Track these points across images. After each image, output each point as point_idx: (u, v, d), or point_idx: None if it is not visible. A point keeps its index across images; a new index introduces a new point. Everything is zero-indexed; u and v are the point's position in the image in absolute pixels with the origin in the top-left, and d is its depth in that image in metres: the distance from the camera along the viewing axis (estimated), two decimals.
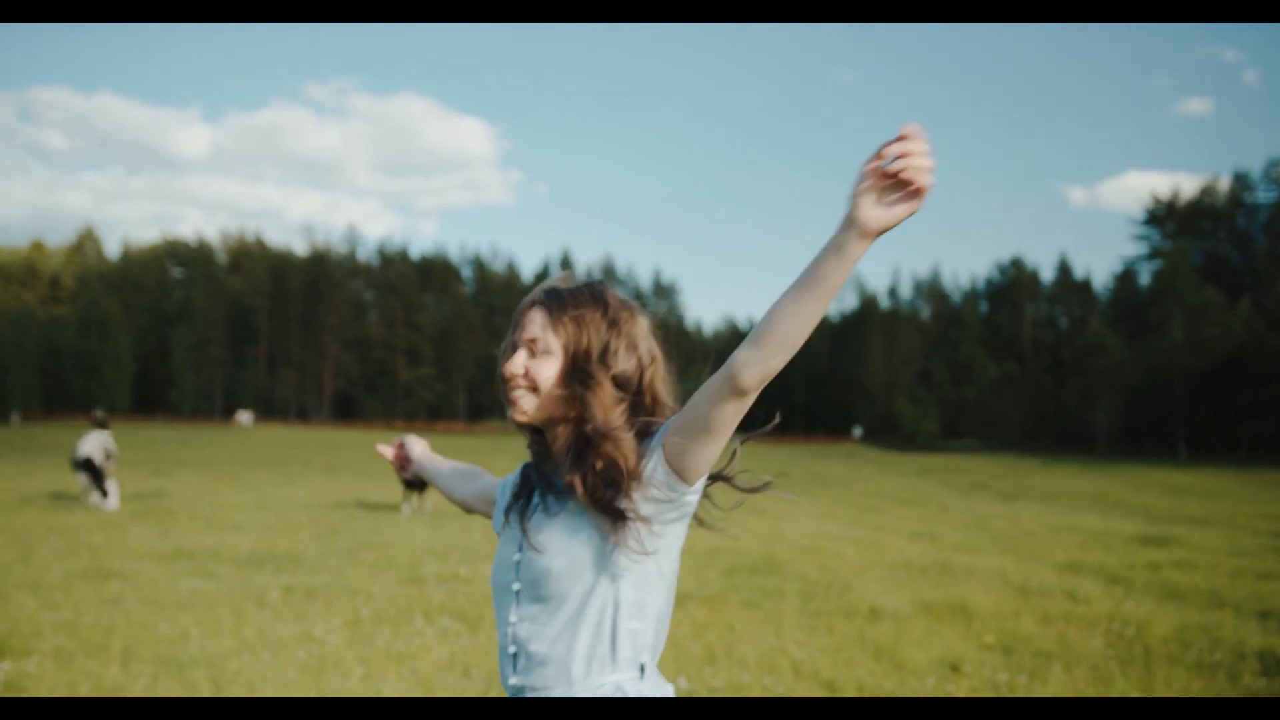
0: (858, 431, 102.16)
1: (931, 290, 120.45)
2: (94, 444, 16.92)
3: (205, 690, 5.90)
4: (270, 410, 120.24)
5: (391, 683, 6.21)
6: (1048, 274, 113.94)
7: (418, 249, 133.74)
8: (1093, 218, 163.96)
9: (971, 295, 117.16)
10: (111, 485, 16.74)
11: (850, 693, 6.22)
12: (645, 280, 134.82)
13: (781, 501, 21.90)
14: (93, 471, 16.67)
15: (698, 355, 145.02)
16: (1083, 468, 47.93)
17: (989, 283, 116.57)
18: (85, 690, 5.80)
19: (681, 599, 9.18)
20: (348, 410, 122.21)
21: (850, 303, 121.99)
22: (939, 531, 16.25)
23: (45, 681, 5.96)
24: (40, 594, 8.82)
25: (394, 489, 22.79)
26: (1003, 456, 63.89)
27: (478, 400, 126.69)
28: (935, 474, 37.75)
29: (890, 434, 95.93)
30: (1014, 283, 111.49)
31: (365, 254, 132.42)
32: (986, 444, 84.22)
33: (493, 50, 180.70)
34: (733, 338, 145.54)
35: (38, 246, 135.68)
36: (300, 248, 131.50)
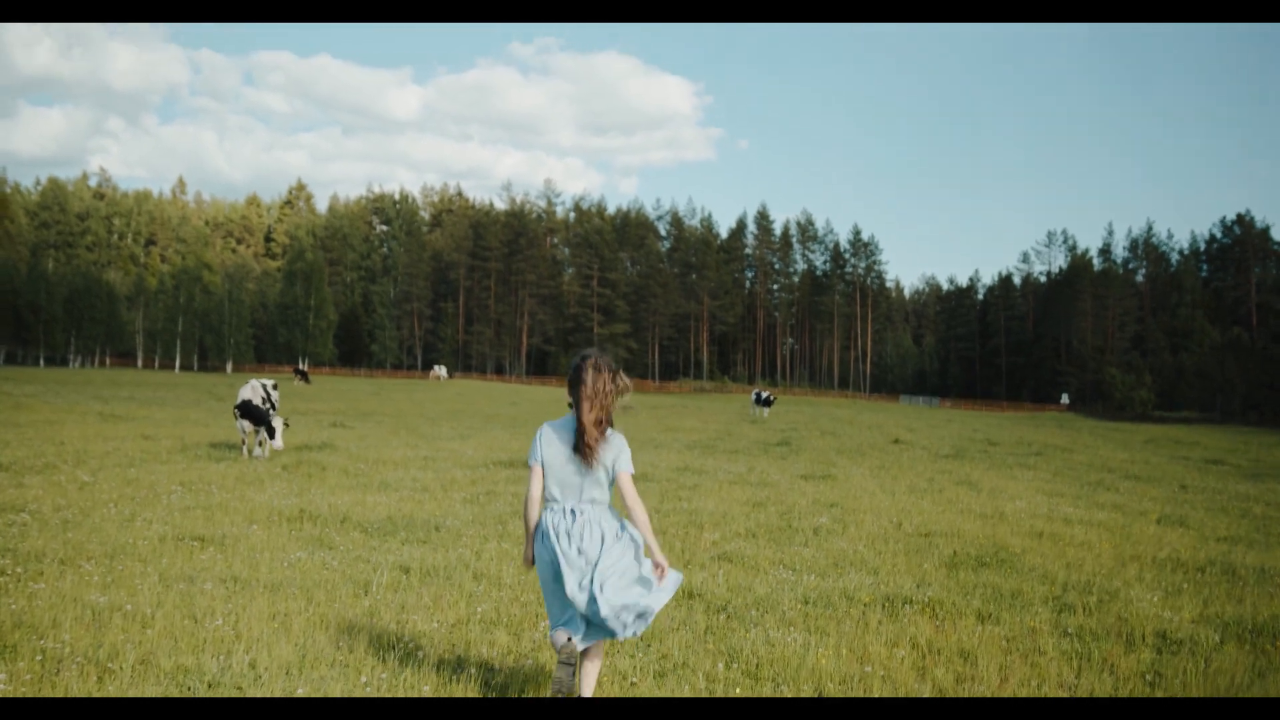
0: (1065, 399, 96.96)
1: (1147, 250, 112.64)
2: (253, 389, 16.24)
3: None
4: (468, 366, 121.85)
5: None
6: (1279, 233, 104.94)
7: (615, 206, 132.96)
8: None
9: (1192, 255, 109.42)
10: (270, 435, 15.85)
11: None
12: (844, 237, 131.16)
13: (997, 474, 19.38)
14: (254, 417, 15.75)
15: (896, 315, 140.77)
16: None
17: (1211, 242, 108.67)
18: None
19: (895, 602, 7.12)
20: (543, 367, 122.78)
21: (1059, 261, 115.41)
22: (1190, 516, 13.57)
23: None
24: (115, 561, 7.46)
25: None
26: (1229, 429, 58.82)
27: (670, 360, 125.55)
28: (1162, 446, 34.10)
29: (1100, 402, 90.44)
30: (1239, 242, 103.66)
31: (563, 211, 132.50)
32: (1207, 415, 78.19)
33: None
34: (934, 298, 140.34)
35: (253, 201, 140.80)
36: (501, 205, 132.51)
